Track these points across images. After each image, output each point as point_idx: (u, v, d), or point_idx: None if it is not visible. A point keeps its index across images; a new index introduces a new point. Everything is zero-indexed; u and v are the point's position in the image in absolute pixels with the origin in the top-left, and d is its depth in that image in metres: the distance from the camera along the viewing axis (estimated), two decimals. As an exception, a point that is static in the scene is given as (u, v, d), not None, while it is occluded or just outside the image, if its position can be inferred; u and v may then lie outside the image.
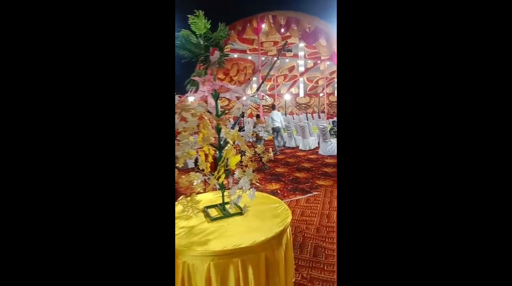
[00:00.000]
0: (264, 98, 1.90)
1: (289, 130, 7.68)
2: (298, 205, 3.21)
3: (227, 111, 1.51)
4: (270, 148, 1.82)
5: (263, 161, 1.66)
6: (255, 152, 1.53)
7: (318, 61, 13.06)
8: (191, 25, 1.30)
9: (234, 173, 1.45)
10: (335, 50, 5.94)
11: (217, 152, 1.45)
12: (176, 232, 1.24)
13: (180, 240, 1.19)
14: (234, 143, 1.42)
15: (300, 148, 7.17)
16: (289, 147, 7.59)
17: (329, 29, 5.78)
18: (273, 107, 7.41)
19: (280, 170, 5.06)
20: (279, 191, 3.78)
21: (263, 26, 8.23)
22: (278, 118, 6.79)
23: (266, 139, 6.41)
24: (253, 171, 1.42)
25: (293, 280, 1.67)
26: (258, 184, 1.50)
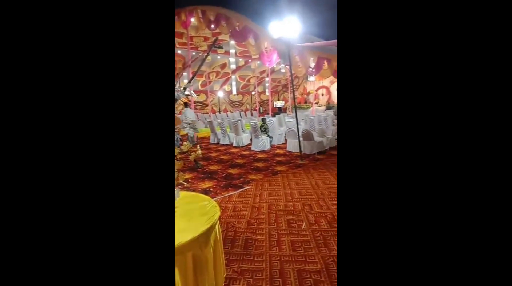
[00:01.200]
0: (190, 93, 1.84)
1: (223, 127, 7.69)
2: (231, 201, 3.26)
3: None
4: (199, 146, 1.78)
5: (191, 159, 1.62)
6: (181, 150, 1.48)
7: (249, 60, 13.42)
8: None
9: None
10: (263, 50, 6.22)
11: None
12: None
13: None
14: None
15: (233, 144, 7.27)
16: (224, 144, 7.61)
17: (258, 29, 6.00)
18: (185, 105, 7.20)
19: (213, 167, 5.03)
20: (211, 189, 3.75)
21: (192, 20, 7.95)
22: (191, 116, 6.67)
23: (192, 135, 6.23)
24: (183, 170, 1.37)
25: (224, 275, 1.69)
26: (185, 183, 1.45)
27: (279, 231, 2.45)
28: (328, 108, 13.69)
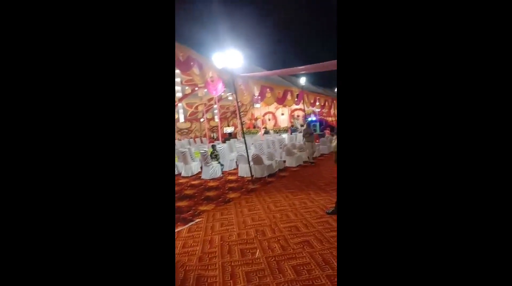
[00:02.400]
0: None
1: (170, 157, 7.32)
2: (180, 236, 3.04)
3: None
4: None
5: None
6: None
7: (196, 88, 13.47)
8: None
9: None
10: (208, 79, 6.34)
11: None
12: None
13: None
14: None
15: (182, 174, 6.94)
16: (171, 175, 7.19)
17: (201, 59, 6.13)
18: None
19: (160, 201, 4.67)
20: (158, 226, 3.45)
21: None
22: None
23: None
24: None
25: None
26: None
27: (232, 263, 2.35)
28: (266, 132, 14.02)
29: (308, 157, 7.43)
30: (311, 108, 10.14)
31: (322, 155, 8.83)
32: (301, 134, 9.91)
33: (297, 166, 7.22)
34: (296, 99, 8.24)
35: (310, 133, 7.40)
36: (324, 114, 12.86)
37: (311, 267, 2.18)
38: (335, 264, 2.19)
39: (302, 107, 9.69)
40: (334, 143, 3.60)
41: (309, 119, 12.72)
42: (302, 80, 8.58)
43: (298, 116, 14.85)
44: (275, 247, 2.61)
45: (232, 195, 4.71)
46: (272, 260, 2.35)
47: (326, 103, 11.18)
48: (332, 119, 13.59)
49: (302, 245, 2.59)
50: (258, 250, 2.56)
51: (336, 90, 14.42)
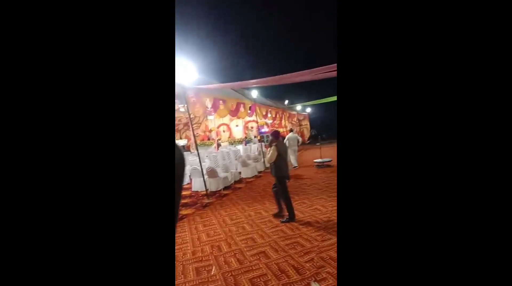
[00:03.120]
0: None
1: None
2: (127, 262, 2.77)
3: None
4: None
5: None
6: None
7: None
8: None
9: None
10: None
11: None
12: None
13: None
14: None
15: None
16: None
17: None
18: None
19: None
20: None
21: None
22: None
23: None
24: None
25: None
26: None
27: (187, 284, 2.23)
28: (219, 144, 13.88)
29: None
30: (264, 120, 10.46)
31: (275, 165, 9.10)
32: (255, 145, 10.12)
33: (253, 176, 7.30)
34: (249, 111, 8.43)
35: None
36: (276, 125, 13.41)
37: (268, 277, 2.20)
38: (291, 272, 2.25)
39: (255, 119, 9.94)
40: (269, 155, 3.71)
41: (262, 130, 13.10)
42: (254, 93, 8.86)
43: (252, 127, 15.16)
44: (231, 261, 2.56)
45: (185, 212, 4.51)
46: (228, 275, 2.30)
47: (277, 115, 11.69)
48: (283, 130, 14.22)
49: (258, 257, 2.60)
50: (213, 267, 2.48)
51: (286, 103, 15.23)
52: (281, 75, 5.98)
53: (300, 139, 8.56)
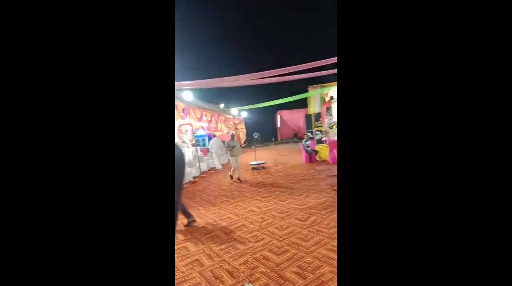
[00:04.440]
0: None
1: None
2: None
3: None
4: None
5: None
6: None
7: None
8: None
9: None
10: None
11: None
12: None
13: None
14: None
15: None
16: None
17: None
18: None
19: None
20: None
21: None
22: None
23: None
24: None
25: None
26: None
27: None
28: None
29: (231, 175, 6.55)
30: (198, 123, 10.18)
31: (211, 169, 8.98)
32: (190, 149, 9.74)
33: (187, 182, 7.00)
34: (182, 114, 8.08)
35: (233, 145, 6.45)
36: (212, 128, 13.24)
37: (201, 287, 2.12)
38: (225, 277, 2.23)
39: (190, 122, 9.58)
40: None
41: (197, 134, 12.74)
42: (188, 95, 8.53)
43: (186, 130, 14.56)
44: (162, 275, 2.37)
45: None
46: (158, 291, 2.12)
47: (213, 118, 11.56)
48: (220, 133, 14.13)
49: (192, 266, 2.49)
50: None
51: (221, 106, 15.23)
52: (214, 79, 5.95)
53: (222, 145, 8.63)
